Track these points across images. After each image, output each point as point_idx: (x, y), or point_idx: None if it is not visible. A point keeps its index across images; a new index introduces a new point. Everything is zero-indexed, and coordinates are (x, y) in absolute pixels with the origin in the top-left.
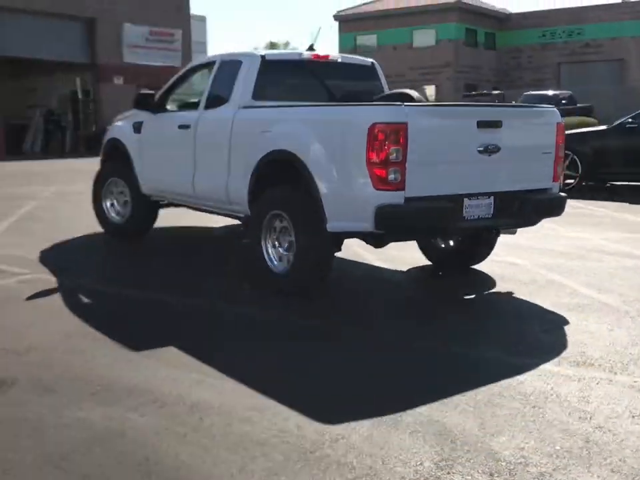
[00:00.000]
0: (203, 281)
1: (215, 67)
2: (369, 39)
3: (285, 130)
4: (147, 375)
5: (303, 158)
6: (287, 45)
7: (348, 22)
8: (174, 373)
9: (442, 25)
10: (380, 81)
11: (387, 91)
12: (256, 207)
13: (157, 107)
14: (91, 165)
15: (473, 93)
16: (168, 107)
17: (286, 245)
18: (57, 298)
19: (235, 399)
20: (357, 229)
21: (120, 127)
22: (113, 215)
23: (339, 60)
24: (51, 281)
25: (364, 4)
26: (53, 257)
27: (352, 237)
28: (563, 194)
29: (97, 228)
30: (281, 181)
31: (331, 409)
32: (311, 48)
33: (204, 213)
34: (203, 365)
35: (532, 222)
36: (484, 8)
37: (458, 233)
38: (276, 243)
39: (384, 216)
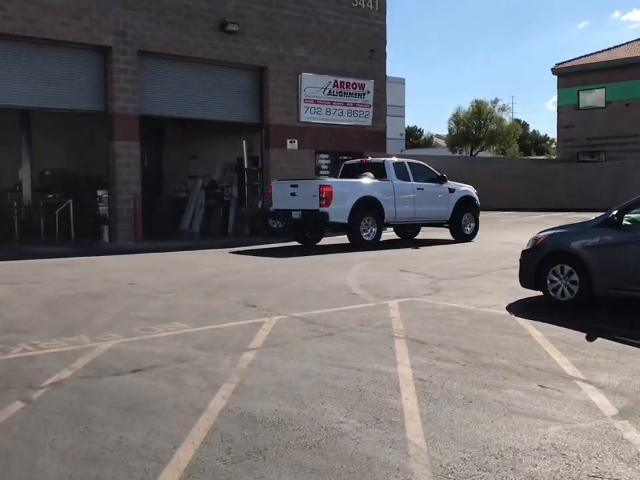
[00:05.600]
0: None
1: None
2: (596, 95)
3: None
4: None
5: None
6: (495, 102)
7: (569, 76)
8: None
9: None
10: (385, 169)
11: (388, 173)
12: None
13: None
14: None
15: None
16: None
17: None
18: None
19: None
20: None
21: None
22: None
23: (372, 160)
24: None
25: (587, 55)
26: None
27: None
28: (324, 210)
29: None
30: None
31: None
32: (363, 157)
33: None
34: None
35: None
36: None
37: (292, 220)
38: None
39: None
